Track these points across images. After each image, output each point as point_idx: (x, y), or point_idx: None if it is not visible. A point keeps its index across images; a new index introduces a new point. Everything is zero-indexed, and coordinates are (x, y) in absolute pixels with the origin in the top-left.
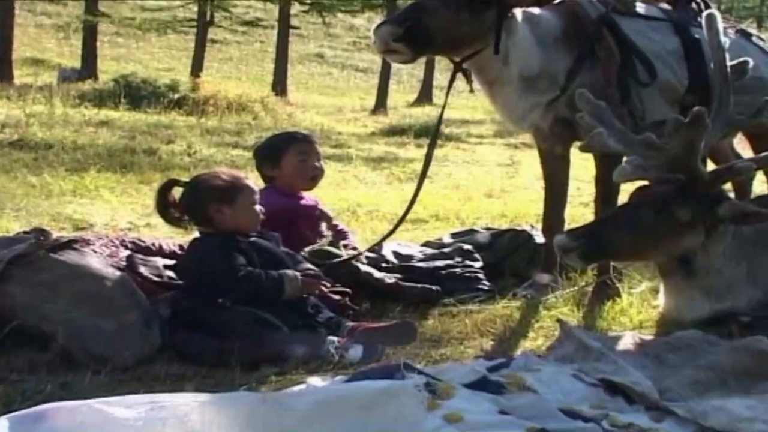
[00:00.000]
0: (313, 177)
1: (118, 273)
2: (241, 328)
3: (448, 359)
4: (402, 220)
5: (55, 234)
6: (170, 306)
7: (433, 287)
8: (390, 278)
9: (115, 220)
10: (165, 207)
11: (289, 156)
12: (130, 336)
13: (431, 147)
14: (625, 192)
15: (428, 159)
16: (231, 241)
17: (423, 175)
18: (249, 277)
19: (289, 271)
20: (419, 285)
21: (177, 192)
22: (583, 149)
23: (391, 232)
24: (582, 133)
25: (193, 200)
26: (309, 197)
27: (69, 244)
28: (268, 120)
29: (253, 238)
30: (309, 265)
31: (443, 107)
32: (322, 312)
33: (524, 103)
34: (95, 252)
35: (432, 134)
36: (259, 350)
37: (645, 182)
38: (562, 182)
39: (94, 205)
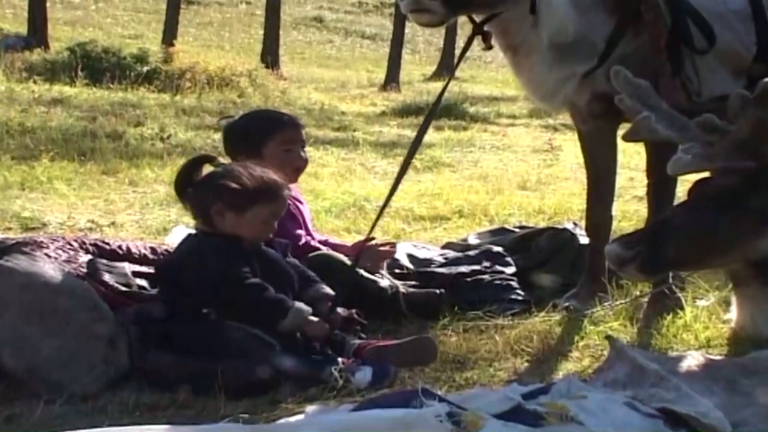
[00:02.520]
0: (298, 169)
1: (77, 282)
2: (229, 346)
3: (475, 384)
4: (380, 215)
5: (0, 236)
6: (141, 320)
7: (437, 290)
8: (387, 282)
9: (72, 219)
10: (184, 186)
11: (273, 144)
12: (91, 357)
13: (425, 123)
14: (687, 182)
15: (418, 138)
16: (235, 244)
17: (408, 159)
18: (255, 289)
19: (303, 306)
20: (422, 290)
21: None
22: (626, 138)
23: (372, 228)
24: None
25: (201, 192)
26: (296, 191)
27: (17, 248)
28: (256, 98)
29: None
30: (326, 289)
31: (451, 74)
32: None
33: (555, 74)
34: (49, 257)
35: (432, 104)
36: (248, 374)
37: (705, 173)
38: (608, 171)
39: (47, 201)
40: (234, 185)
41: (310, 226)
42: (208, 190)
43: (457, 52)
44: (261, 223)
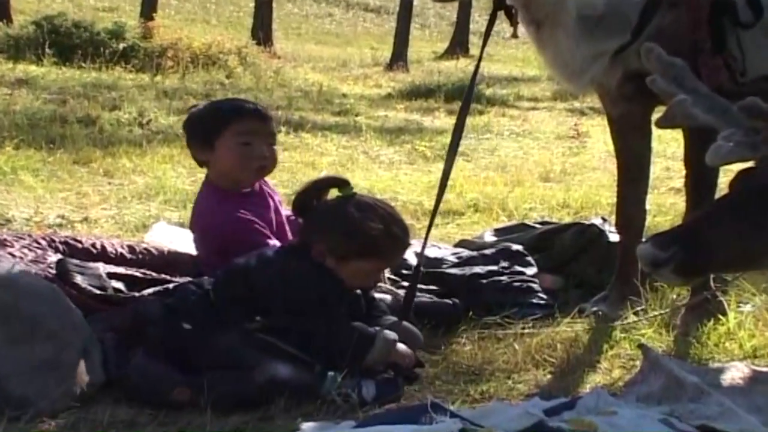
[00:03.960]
0: (260, 168)
1: (45, 284)
2: (257, 359)
3: (492, 398)
4: (434, 215)
5: None
6: (137, 322)
7: (450, 300)
8: (391, 293)
9: (40, 214)
10: (304, 207)
11: (229, 135)
12: (61, 369)
13: (463, 112)
14: (730, 172)
15: (459, 128)
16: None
17: (452, 151)
18: (345, 322)
19: (389, 333)
20: (432, 299)
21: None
22: (660, 124)
23: (428, 232)
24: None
25: (308, 225)
26: (269, 193)
27: None
28: (247, 78)
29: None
30: (391, 317)
31: (480, 57)
32: None
33: (583, 51)
34: (14, 256)
35: (465, 94)
36: (237, 385)
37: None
38: (641, 160)
39: (11, 194)
40: (340, 233)
41: (283, 216)
42: (314, 226)
43: (472, 26)
44: (364, 275)
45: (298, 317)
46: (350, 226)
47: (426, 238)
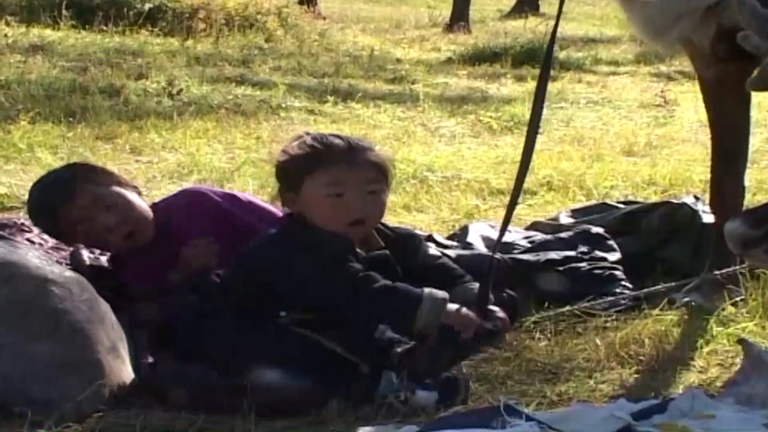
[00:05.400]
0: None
1: (69, 274)
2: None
3: (571, 399)
4: (517, 195)
5: None
6: (157, 318)
7: (505, 293)
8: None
9: None
10: None
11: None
12: (87, 369)
13: (543, 80)
14: None
15: (540, 98)
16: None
17: (534, 124)
18: (366, 282)
19: (435, 291)
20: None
21: None
22: (751, 85)
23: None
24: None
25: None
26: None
27: None
28: (288, 42)
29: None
30: (475, 286)
31: (558, 13)
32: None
33: (671, 6)
34: (32, 242)
35: (544, 59)
36: (284, 389)
37: None
38: (739, 131)
39: (27, 173)
40: (279, 165)
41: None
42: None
43: None
44: (329, 205)
45: (315, 296)
46: (281, 156)
47: (505, 224)
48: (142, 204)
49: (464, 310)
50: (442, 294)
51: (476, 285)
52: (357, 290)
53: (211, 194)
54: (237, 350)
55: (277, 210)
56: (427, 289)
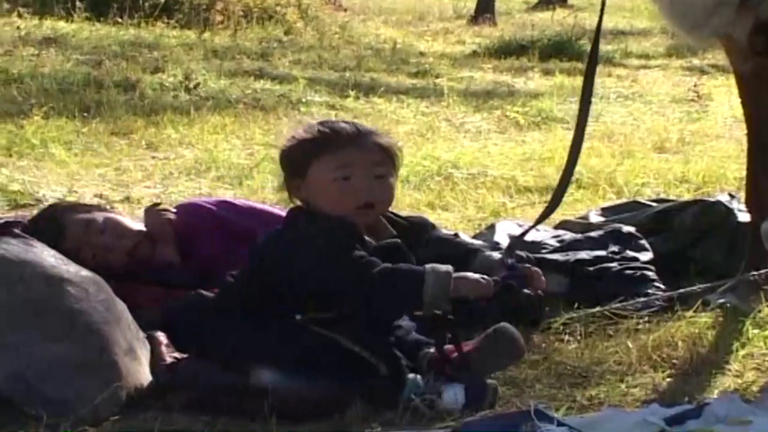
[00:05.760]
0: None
1: (84, 272)
2: (326, 363)
3: (602, 404)
4: (562, 192)
5: None
6: (176, 316)
7: (530, 291)
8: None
9: (75, 193)
10: None
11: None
12: (103, 370)
13: (590, 73)
14: None
15: (587, 92)
16: (334, 222)
17: (582, 119)
18: (365, 268)
19: (439, 265)
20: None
21: None
22: None
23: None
24: None
25: None
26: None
27: (6, 229)
28: (308, 35)
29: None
30: (495, 256)
31: (602, 6)
32: (410, 332)
33: None
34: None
35: (591, 51)
36: (306, 391)
37: None
38: None
39: (41, 170)
40: (283, 154)
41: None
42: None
43: None
44: (336, 190)
45: (320, 285)
46: (288, 142)
47: (547, 211)
48: (132, 222)
49: (473, 275)
50: (445, 267)
51: (495, 254)
52: (361, 276)
53: (203, 204)
54: (254, 351)
55: (282, 211)
56: (429, 265)
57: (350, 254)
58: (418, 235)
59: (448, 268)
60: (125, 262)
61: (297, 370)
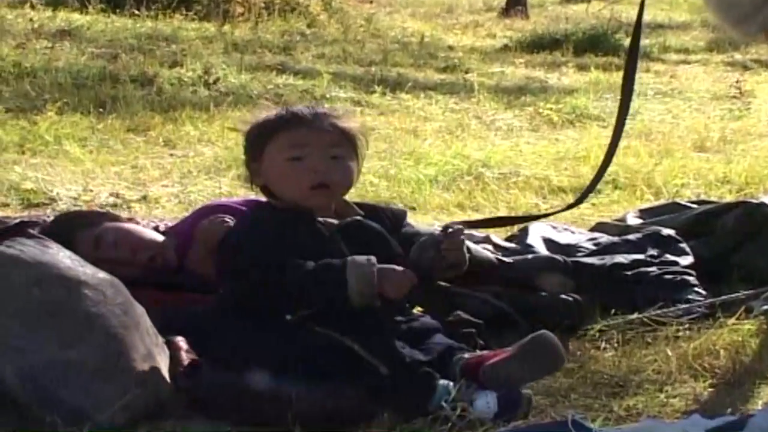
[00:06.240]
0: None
1: (101, 275)
2: (324, 363)
3: (640, 414)
4: (594, 185)
5: None
6: (190, 324)
7: (570, 297)
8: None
9: (90, 192)
10: None
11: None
12: (120, 376)
13: (630, 70)
14: None
15: (628, 88)
16: (300, 216)
17: (621, 117)
18: (293, 271)
19: (360, 257)
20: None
21: None
22: None
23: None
24: None
25: None
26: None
27: (21, 230)
28: (332, 28)
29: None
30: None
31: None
32: (433, 334)
33: None
34: None
35: (630, 46)
36: (332, 399)
37: None
38: None
39: (55, 168)
40: (246, 127)
41: None
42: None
43: None
44: (290, 170)
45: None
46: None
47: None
48: (146, 230)
49: (395, 267)
50: (368, 258)
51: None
52: (290, 284)
53: (231, 204)
54: (251, 353)
55: None
56: (349, 258)
57: (280, 259)
58: (394, 221)
59: (372, 258)
60: (146, 272)
61: (294, 371)
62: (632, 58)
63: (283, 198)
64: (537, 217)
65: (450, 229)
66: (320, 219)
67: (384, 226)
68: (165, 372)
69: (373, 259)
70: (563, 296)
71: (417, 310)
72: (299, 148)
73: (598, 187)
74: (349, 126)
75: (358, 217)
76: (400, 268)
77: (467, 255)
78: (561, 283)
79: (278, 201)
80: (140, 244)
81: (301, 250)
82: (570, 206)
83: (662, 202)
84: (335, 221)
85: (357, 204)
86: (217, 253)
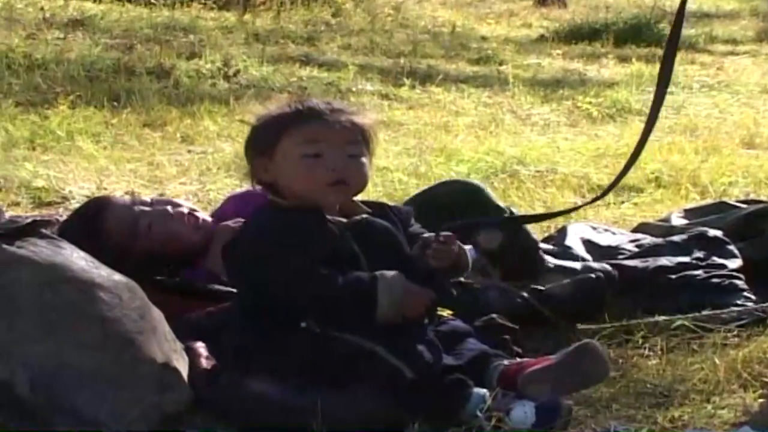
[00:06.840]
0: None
1: (117, 277)
2: (347, 368)
3: (686, 426)
4: (620, 179)
5: (7, 213)
6: (210, 328)
7: (592, 274)
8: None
9: (104, 189)
10: None
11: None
12: (139, 384)
13: (668, 60)
14: None
15: (665, 80)
16: (310, 215)
17: (655, 109)
18: (321, 286)
19: (389, 274)
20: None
21: None
22: None
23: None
24: None
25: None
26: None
27: (34, 230)
28: (358, 17)
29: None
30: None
31: None
32: (465, 339)
33: None
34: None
35: (670, 34)
36: (356, 407)
37: None
38: None
39: (67, 164)
40: (257, 121)
41: None
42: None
43: None
44: (304, 169)
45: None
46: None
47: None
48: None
49: (415, 288)
50: (394, 274)
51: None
52: (298, 277)
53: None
54: (264, 358)
55: None
56: (379, 275)
57: (309, 267)
58: (402, 219)
59: (399, 276)
60: (196, 242)
61: (316, 377)
62: (672, 46)
63: (295, 195)
64: (553, 215)
65: (441, 236)
66: (329, 217)
67: (392, 224)
68: (184, 379)
69: (402, 277)
70: (588, 275)
71: (447, 313)
72: (316, 144)
73: (641, 185)
74: (364, 123)
75: (367, 215)
76: (419, 288)
77: (469, 258)
78: (558, 285)
79: (284, 199)
80: (180, 222)
81: (314, 250)
82: (592, 201)
83: (709, 201)
84: (343, 219)
85: (362, 202)
86: (224, 260)
